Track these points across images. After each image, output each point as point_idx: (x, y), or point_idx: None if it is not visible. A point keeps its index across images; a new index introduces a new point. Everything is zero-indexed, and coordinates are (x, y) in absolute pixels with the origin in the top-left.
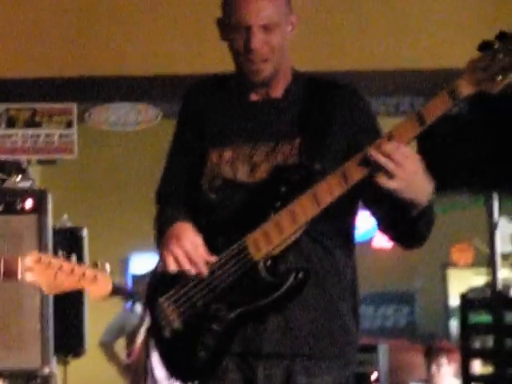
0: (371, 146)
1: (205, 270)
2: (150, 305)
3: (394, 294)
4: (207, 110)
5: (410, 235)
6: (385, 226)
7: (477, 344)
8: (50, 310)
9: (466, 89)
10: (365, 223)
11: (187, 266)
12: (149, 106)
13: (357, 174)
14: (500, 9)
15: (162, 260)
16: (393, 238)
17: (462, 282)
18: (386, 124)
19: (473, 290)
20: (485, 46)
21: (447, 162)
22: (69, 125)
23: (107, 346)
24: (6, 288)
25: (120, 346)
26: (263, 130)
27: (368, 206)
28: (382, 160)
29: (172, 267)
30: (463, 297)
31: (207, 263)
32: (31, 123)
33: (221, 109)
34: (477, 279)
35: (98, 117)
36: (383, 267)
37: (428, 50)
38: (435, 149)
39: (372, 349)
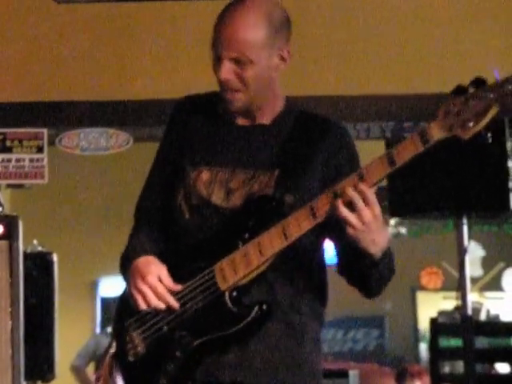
0: (340, 184)
1: (174, 302)
2: (117, 329)
3: (364, 318)
4: (193, 126)
5: (362, 283)
6: (341, 268)
7: (447, 368)
8: (21, 335)
9: (437, 133)
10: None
11: (155, 303)
12: (119, 131)
13: (324, 209)
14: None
15: (132, 299)
16: (348, 282)
17: (432, 305)
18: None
19: (442, 313)
20: (459, 91)
21: (417, 187)
22: (39, 150)
23: (79, 371)
24: None
25: (91, 370)
26: (244, 156)
27: (332, 241)
28: (347, 214)
29: (142, 306)
30: (433, 321)
31: (173, 293)
32: (2, 148)
33: (206, 128)
34: (446, 303)
35: (69, 142)
36: (352, 290)
37: (399, 75)
38: (405, 173)
39: (343, 374)
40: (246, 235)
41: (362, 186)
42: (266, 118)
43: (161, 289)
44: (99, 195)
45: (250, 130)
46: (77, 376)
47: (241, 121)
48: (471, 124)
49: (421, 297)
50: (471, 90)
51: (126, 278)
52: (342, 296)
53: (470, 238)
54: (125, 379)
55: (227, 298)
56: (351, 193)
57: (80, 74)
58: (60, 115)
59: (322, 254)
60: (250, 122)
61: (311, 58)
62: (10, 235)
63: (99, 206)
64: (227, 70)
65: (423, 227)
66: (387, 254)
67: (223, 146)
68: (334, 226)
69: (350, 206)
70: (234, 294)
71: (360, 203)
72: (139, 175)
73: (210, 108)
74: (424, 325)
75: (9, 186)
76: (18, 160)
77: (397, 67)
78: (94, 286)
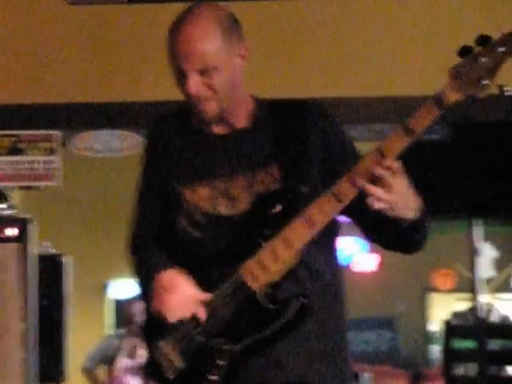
0: (361, 164)
1: (202, 314)
2: (150, 349)
3: (376, 319)
4: (171, 146)
5: (401, 245)
6: (374, 237)
7: (460, 370)
8: (34, 337)
9: (452, 96)
10: (345, 248)
11: (186, 314)
12: (132, 133)
13: (350, 192)
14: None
15: (159, 315)
16: (385, 247)
17: (444, 307)
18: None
19: (456, 315)
20: (465, 51)
21: (429, 188)
22: (52, 152)
23: (89, 372)
24: None
25: (102, 372)
26: (236, 162)
27: (356, 221)
28: (379, 192)
29: (172, 319)
30: (446, 323)
31: (203, 303)
32: (14, 150)
33: (185, 145)
34: (458, 304)
35: (82, 144)
36: (364, 292)
37: (415, 77)
38: (418, 174)
39: (355, 377)
40: (267, 231)
41: (389, 162)
42: (242, 121)
43: (188, 302)
44: (111, 198)
45: (231, 136)
46: (87, 378)
47: (217, 129)
48: (485, 81)
49: (433, 298)
50: (477, 49)
51: (149, 295)
52: (353, 297)
53: (483, 238)
54: None
55: (262, 296)
56: (380, 172)
57: (93, 76)
58: (73, 117)
59: (336, 247)
60: (228, 128)
61: (325, 59)
62: (23, 237)
63: (111, 209)
64: (195, 82)
65: (436, 228)
66: (422, 215)
67: (209, 158)
68: (358, 206)
69: (375, 182)
70: (268, 291)
71: (391, 179)
72: None
73: (183, 124)
74: (436, 326)
75: (21, 188)
76: (30, 162)
77: (412, 69)
78: (104, 289)
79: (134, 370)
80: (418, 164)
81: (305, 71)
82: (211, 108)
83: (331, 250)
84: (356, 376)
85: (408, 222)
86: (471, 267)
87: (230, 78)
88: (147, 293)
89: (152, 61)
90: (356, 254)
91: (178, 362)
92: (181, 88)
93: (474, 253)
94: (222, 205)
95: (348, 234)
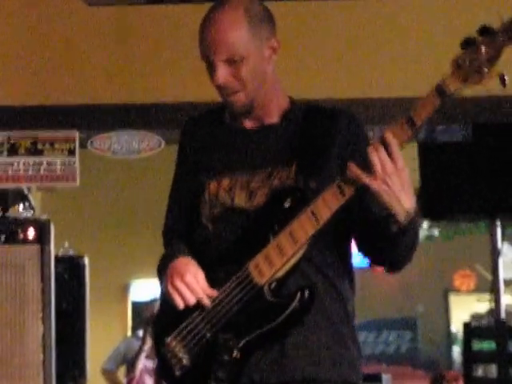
0: (370, 147)
1: (207, 302)
2: (157, 345)
3: (396, 320)
4: (203, 142)
5: (388, 254)
6: (365, 244)
7: (480, 372)
8: (53, 340)
9: (453, 84)
10: None
11: (192, 300)
12: (151, 134)
13: (353, 184)
14: None
15: (169, 298)
16: (372, 257)
17: (465, 307)
18: None
19: (476, 317)
20: (467, 43)
21: (450, 189)
22: (71, 152)
23: (110, 374)
24: (9, 319)
25: (122, 373)
26: (259, 156)
27: (352, 227)
28: (374, 156)
29: (179, 303)
30: (466, 325)
31: (210, 297)
32: (33, 151)
33: (216, 139)
34: (479, 305)
35: (100, 144)
36: (385, 293)
37: (431, 78)
38: (438, 175)
39: (375, 378)
40: (276, 227)
41: (387, 135)
42: (273, 118)
43: (197, 286)
44: (131, 198)
45: (260, 131)
46: (108, 379)
47: (249, 124)
48: (486, 70)
49: (454, 299)
50: (479, 39)
51: (163, 283)
52: (373, 298)
53: (503, 239)
54: None
55: (267, 290)
56: (375, 144)
57: (111, 77)
58: (92, 118)
59: (350, 253)
60: (258, 123)
61: (342, 60)
62: (42, 239)
63: (130, 210)
64: (222, 73)
65: (456, 229)
66: (413, 224)
67: (237, 151)
68: (357, 205)
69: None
70: (273, 285)
71: (383, 153)
72: (171, 178)
73: (215, 120)
74: (457, 327)
75: (40, 189)
76: (49, 163)
77: (430, 70)
78: (125, 290)
79: (153, 372)
80: (439, 165)
81: (319, 71)
82: (239, 99)
83: (341, 253)
84: (376, 377)
85: (397, 226)
86: (491, 268)
87: (258, 69)
88: (162, 281)
89: (171, 62)
90: None
91: (185, 360)
92: (211, 79)
93: (495, 253)
94: (239, 197)
95: None
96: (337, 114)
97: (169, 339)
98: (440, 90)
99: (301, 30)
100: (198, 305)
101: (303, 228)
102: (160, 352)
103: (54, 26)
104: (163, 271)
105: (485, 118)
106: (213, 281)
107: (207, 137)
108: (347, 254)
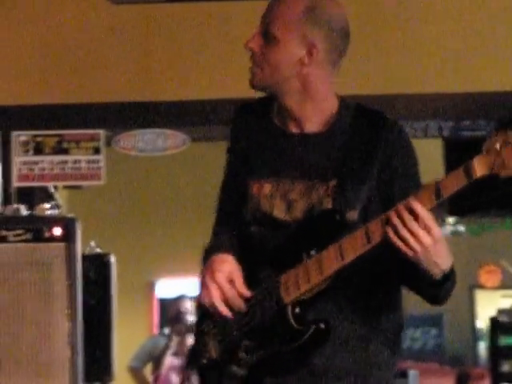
0: (393, 212)
1: (239, 304)
2: (196, 331)
3: (422, 316)
4: (250, 139)
5: (425, 298)
6: (399, 280)
7: (506, 367)
8: (80, 337)
9: (480, 170)
10: None
11: (217, 302)
12: (176, 132)
13: (379, 235)
14: None
15: (200, 292)
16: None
17: (490, 303)
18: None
19: (502, 312)
20: (507, 124)
21: (476, 185)
22: (96, 151)
23: (136, 372)
24: (35, 316)
25: (149, 371)
26: (300, 166)
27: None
28: (398, 242)
29: (205, 301)
30: (493, 320)
31: (242, 297)
32: (59, 150)
33: (262, 139)
34: (505, 301)
35: (126, 143)
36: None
37: (458, 74)
38: None
39: (402, 374)
40: (313, 252)
41: (416, 206)
42: (315, 125)
43: (227, 290)
44: (156, 196)
45: (303, 140)
46: (134, 377)
47: (293, 128)
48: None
49: (479, 295)
50: None
51: (200, 277)
52: None
53: None
54: (198, 378)
55: (290, 312)
56: (402, 213)
57: (136, 75)
58: (117, 116)
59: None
60: (300, 129)
61: (369, 55)
62: (69, 237)
63: (156, 207)
64: (254, 39)
65: (482, 225)
66: (449, 276)
67: (280, 157)
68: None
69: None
70: (297, 310)
71: (414, 226)
72: (196, 176)
73: (264, 116)
74: (483, 323)
75: (66, 187)
76: (74, 161)
77: (455, 65)
78: (151, 287)
79: (180, 369)
80: (464, 161)
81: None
82: (256, 74)
83: (377, 302)
84: (403, 373)
85: (430, 280)
86: None
87: (285, 61)
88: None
89: (196, 60)
90: None
91: (214, 351)
92: None
93: None
94: (278, 208)
95: None
96: (384, 126)
97: (205, 327)
98: (468, 173)
99: None
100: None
101: (330, 260)
102: (195, 336)
103: (79, 24)
104: (204, 262)
105: (510, 113)
106: (252, 280)
107: (254, 133)
108: (383, 306)
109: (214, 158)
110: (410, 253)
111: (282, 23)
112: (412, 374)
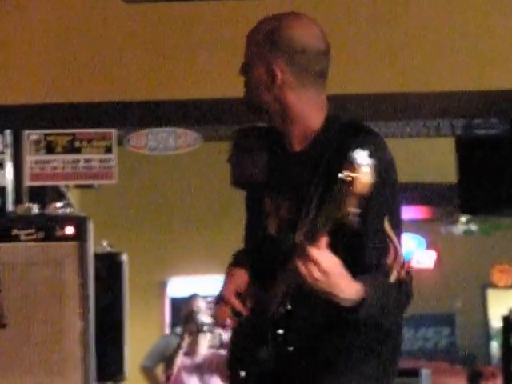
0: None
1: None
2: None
3: (434, 316)
4: (262, 156)
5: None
6: None
7: None
8: (92, 336)
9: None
10: (404, 244)
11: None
12: (188, 131)
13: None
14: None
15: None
16: None
17: (503, 302)
18: (426, 146)
19: None
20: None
21: (488, 183)
22: (108, 150)
23: (148, 371)
24: (48, 315)
25: (161, 370)
26: (287, 184)
27: None
28: (298, 265)
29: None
30: (505, 319)
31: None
32: (70, 149)
33: (269, 157)
34: None
35: (137, 142)
36: (422, 288)
37: (470, 71)
38: (476, 169)
39: (414, 373)
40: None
41: (307, 248)
42: (300, 144)
43: (229, 299)
44: (167, 196)
45: (290, 158)
46: (146, 376)
47: (289, 147)
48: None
49: (492, 294)
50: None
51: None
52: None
53: None
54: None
55: (271, 322)
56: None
57: (148, 74)
58: (128, 115)
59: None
60: (292, 148)
61: (378, 55)
62: (80, 236)
63: (168, 207)
64: (241, 67)
65: (494, 224)
66: (362, 306)
67: (274, 175)
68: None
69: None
70: (282, 319)
71: (307, 260)
72: (208, 175)
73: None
74: (495, 322)
75: (77, 186)
76: (86, 160)
77: (467, 63)
78: (163, 287)
79: (191, 369)
80: (477, 159)
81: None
82: (243, 95)
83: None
84: (416, 372)
85: (339, 305)
86: None
87: (255, 85)
88: None
89: (208, 58)
90: (414, 251)
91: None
92: None
93: None
94: (271, 225)
95: (405, 231)
96: (356, 140)
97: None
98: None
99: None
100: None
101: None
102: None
103: (91, 23)
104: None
105: None
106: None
107: (267, 149)
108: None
109: (226, 157)
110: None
111: (250, 51)
112: (424, 372)
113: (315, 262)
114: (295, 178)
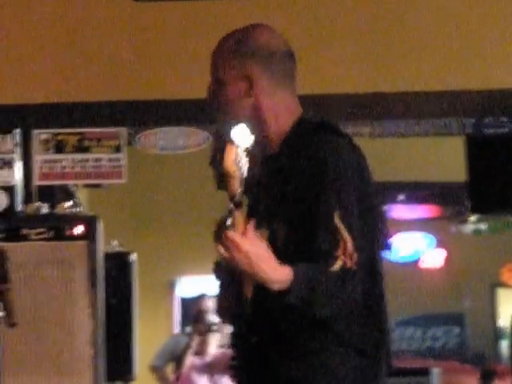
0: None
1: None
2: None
3: (443, 315)
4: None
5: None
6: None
7: None
8: (103, 335)
9: None
10: (412, 243)
11: None
12: (198, 130)
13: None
14: None
15: None
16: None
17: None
18: (436, 145)
19: None
20: None
21: (499, 183)
22: (118, 149)
23: (158, 370)
24: (58, 315)
25: (171, 370)
26: (259, 190)
27: None
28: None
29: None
30: None
31: None
32: (80, 148)
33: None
34: None
35: (147, 141)
36: (432, 288)
37: (479, 70)
38: (486, 168)
39: (425, 372)
40: None
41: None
42: (274, 147)
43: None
44: (177, 195)
45: (265, 161)
46: (156, 376)
47: (268, 150)
48: None
49: (501, 294)
50: None
51: None
52: (420, 293)
53: None
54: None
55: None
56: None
57: (158, 73)
58: (138, 114)
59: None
60: (268, 151)
61: (387, 53)
62: (90, 235)
63: (177, 206)
64: (208, 90)
65: (504, 223)
66: (294, 288)
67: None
68: None
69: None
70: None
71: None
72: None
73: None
74: (505, 321)
75: (86, 186)
76: (96, 160)
77: (477, 62)
78: (171, 286)
79: (201, 368)
80: (487, 158)
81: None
82: (221, 119)
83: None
84: (426, 371)
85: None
86: None
87: (232, 98)
88: None
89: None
90: (423, 249)
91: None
92: None
93: None
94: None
95: (415, 230)
96: (311, 141)
97: None
98: None
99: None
100: None
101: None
102: None
103: (100, 22)
104: None
105: None
106: None
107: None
108: None
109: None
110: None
111: (221, 65)
112: (435, 371)
113: (234, 244)
114: (264, 181)
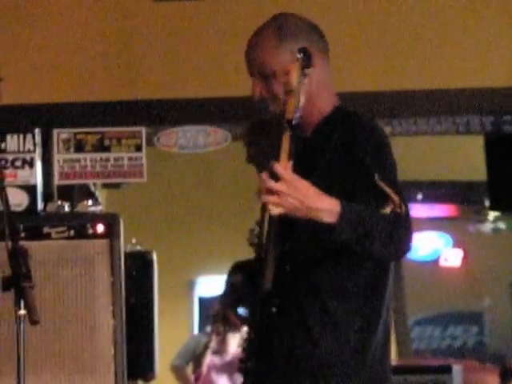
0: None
1: None
2: None
3: (462, 314)
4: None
5: (366, 252)
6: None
7: None
8: (124, 334)
9: None
10: (432, 242)
11: None
12: (217, 129)
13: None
14: None
15: None
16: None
17: None
18: (456, 143)
19: None
20: None
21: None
22: (138, 148)
23: (179, 370)
24: (79, 313)
25: (190, 369)
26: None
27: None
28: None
29: None
30: None
31: None
32: (100, 147)
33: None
34: None
35: (167, 140)
36: (451, 286)
37: (499, 68)
38: (505, 166)
39: (446, 369)
40: None
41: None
42: (307, 131)
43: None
44: (197, 194)
45: (299, 145)
46: (177, 376)
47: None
48: None
49: None
50: None
51: None
52: (439, 292)
53: None
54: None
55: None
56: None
57: (177, 72)
58: (158, 113)
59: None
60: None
61: (406, 51)
62: (111, 234)
63: (197, 205)
64: (256, 87)
65: None
66: (349, 216)
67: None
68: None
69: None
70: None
71: (269, 182)
72: (237, 173)
73: None
74: None
75: (105, 185)
76: (116, 159)
77: (496, 60)
78: (191, 286)
79: (221, 368)
80: (507, 156)
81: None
82: (273, 109)
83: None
84: (448, 368)
85: (330, 229)
86: None
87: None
88: None
89: (236, 56)
90: (440, 249)
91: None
92: None
93: None
94: None
95: (432, 229)
96: (343, 122)
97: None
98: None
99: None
100: None
101: None
102: None
103: (120, 22)
104: None
105: None
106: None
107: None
108: (350, 279)
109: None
110: (280, 208)
111: (269, 57)
112: (456, 369)
113: (281, 176)
114: (299, 164)
